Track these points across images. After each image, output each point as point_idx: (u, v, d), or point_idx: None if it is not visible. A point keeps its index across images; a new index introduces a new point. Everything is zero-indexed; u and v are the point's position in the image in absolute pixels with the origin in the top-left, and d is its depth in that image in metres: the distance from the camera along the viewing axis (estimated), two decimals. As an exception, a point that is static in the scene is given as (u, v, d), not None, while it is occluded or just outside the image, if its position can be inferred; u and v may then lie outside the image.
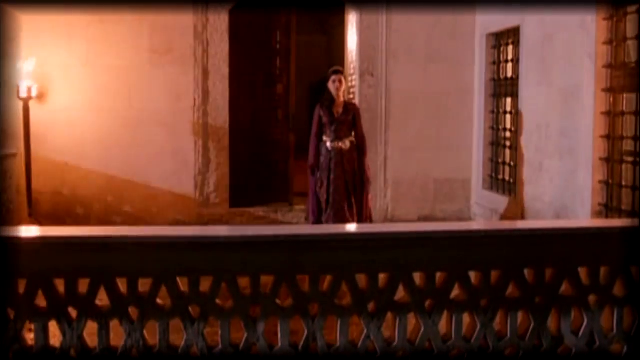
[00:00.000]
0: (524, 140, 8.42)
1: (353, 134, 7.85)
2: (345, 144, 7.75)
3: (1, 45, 8.43)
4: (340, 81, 7.79)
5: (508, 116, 9.18)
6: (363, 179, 7.84)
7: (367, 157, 8.00)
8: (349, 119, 7.81)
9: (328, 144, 7.77)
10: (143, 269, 3.25)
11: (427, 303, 3.28)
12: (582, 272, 3.36)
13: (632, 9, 6.50)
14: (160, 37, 9.25)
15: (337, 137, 7.73)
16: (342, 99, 7.85)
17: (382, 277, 3.26)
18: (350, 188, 7.72)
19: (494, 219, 9.23)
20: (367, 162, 7.97)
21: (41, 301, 3.26)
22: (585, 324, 3.36)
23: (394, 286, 3.26)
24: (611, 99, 6.74)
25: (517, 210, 8.42)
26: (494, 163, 9.54)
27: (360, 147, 7.86)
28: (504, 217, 8.79)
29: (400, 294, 3.29)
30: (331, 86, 7.80)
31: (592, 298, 3.37)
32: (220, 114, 9.44)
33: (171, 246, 3.26)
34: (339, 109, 7.79)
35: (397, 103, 9.76)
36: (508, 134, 9.17)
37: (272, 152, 10.26)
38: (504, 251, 3.31)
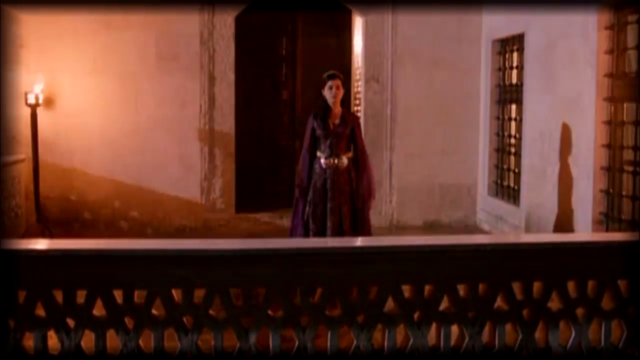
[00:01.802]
0: (527, 147, 8.45)
1: (352, 148, 6.79)
2: (343, 161, 6.65)
3: (6, 52, 8.54)
4: (338, 87, 6.65)
5: (513, 123, 9.20)
6: (363, 201, 6.75)
7: (370, 174, 6.87)
8: (347, 132, 6.69)
9: (322, 161, 6.66)
10: (139, 280, 3.32)
11: (416, 315, 3.34)
12: (570, 285, 3.41)
13: (632, 18, 6.53)
14: (167, 44, 9.32)
15: (333, 153, 6.64)
16: (339, 108, 6.74)
17: (371, 289, 3.32)
18: (346, 212, 6.62)
19: (499, 226, 9.26)
20: (372, 179, 6.89)
21: (40, 311, 3.33)
22: (573, 336, 3.41)
23: (383, 298, 3.32)
24: (612, 109, 6.76)
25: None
26: (499, 169, 9.56)
27: (360, 164, 6.76)
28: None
29: (390, 306, 3.35)
30: (327, 93, 6.67)
31: (580, 311, 3.41)
32: (226, 120, 9.51)
33: (166, 259, 3.33)
34: (335, 120, 6.68)
35: (402, 109, 9.79)
36: (513, 141, 9.20)
37: (278, 158, 10.35)
38: (492, 264, 3.36)
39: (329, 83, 6.66)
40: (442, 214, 9.99)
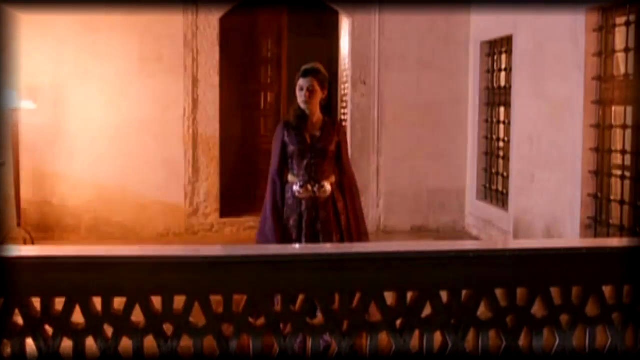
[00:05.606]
0: (515, 151, 8.41)
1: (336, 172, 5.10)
2: (324, 189, 4.96)
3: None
4: (309, 89, 4.93)
5: (502, 126, 9.15)
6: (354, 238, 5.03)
7: (360, 203, 5.20)
8: (332, 148, 5.00)
9: (295, 188, 4.97)
10: (118, 288, 3.26)
11: (399, 322, 3.27)
12: (555, 291, 3.35)
13: (620, 20, 6.50)
14: (150, 46, 9.25)
15: (312, 178, 4.94)
16: (319, 115, 5.04)
17: (354, 296, 3.26)
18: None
19: (487, 230, 9.21)
20: (361, 212, 5.18)
21: (18, 319, 3.27)
22: (557, 343, 3.35)
23: (365, 305, 3.25)
24: (600, 112, 6.72)
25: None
26: (488, 173, 9.51)
27: (347, 191, 5.09)
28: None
29: (374, 312, 3.28)
30: (299, 95, 4.98)
31: (564, 318, 3.35)
32: (211, 123, 9.43)
33: (145, 266, 3.26)
34: (314, 131, 5.00)
35: (390, 112, 9.74)
36: (502, 144, 9.15)
37: (262, 162, 10.26)
38: (475, 271, 3.29)
39: (300, 83, 4.99)
40: (430, 218, 9.94)
